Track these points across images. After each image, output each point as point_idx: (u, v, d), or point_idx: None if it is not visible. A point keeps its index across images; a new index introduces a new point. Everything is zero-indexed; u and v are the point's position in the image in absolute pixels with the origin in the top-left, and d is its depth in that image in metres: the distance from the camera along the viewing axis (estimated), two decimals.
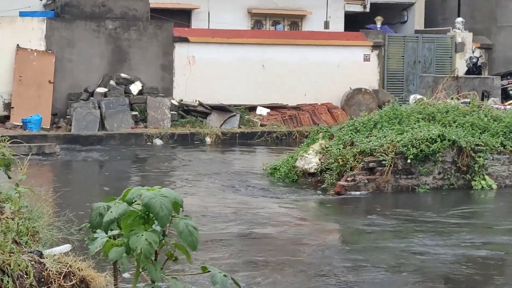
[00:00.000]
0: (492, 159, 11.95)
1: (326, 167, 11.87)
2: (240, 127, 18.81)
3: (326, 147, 12.30)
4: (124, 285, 4.83)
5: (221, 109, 19.04)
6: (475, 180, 11.72)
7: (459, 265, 7.39)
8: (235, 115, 18.97)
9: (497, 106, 14.35)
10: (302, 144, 13.28)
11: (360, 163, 11.51)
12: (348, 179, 11.36)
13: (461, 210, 10.31)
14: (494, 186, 11.78)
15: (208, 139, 17.92)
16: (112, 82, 18.67)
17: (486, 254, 7.84)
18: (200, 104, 19.05)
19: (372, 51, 21.28)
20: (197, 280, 6.23)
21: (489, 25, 23.14)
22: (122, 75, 18.89)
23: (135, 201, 3.51)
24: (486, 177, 11.82)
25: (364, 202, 10.82)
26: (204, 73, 19.61)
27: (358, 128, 12.58)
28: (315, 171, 12.10)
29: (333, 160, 11.76)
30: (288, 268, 7.34)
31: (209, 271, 3.61)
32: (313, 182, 12.01)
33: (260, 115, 19.67)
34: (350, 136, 12.30)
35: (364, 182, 11.35)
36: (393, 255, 7.78)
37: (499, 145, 12.03)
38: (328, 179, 11.59)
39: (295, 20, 23.36)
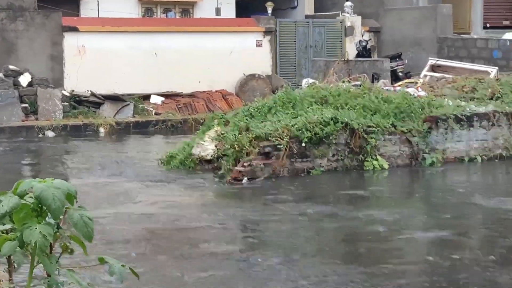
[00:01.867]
0: (384, 140, 12.21)
1: (223, 153, 11.89)
2: (134, 117, 18.61)
3: (222, 134, 12.31)
4: (19, 280, 4.71)
5: (114, 98, 18.79)
6: (367, 161, 11.96)
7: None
8: (128, 104, 18.76)
9: (387, 87, 14.65)
10: (197, 132, 13.25)
11: (256, 149, 11.56)
12: (245, 164, 11.40)
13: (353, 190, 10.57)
14: (386, 166, 12.05)
15: (101, 130, 17.65)
16: (0, 75, 18.15)
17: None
18: (93, 94, 18.74)
19: (264, 36, 21.39)
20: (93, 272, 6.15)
21: (377, 9, 23.60)
22: (10, 67, 18.39)
23: (27, 193, 3.42)
24: (379, 157, 12.08)
25: (260, 186, 10.88)
26: (95, 63, 19.30)
27: (253, 114, 12.63)
28: (212, 158, 12.10)
29: (229, 146, 11.78)
30: (192, 253, 7.33)
31: (107, 262, 3.55)
32: (210, 169, 12.01)
33: (155, 103, 19.51)
34: (245, 122, 12.34)
35: (260, 167, 11.41)
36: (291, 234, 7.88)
37: (390, 126, 12.30)
38: (225, 165, 11.61)
39: (186, 8, 23.23)
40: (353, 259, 7.17)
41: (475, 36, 21.90)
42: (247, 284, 6.44)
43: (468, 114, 12.84)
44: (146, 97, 19.64)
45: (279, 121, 11.98)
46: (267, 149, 11.56)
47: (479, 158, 12.74)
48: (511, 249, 7.51)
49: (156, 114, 18.95)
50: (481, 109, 13.08)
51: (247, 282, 6.50)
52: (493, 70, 16.87)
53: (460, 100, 13.56)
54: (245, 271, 6.77)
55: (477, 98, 13.73)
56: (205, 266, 6.90)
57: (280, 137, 11.57)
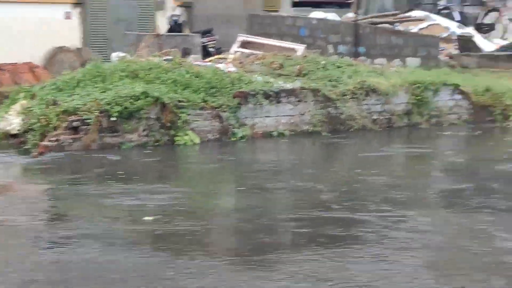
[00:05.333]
0: (195, 115, 12.27)
1: (29, 127, 11.52)
2: None
3: (28, 107, 11.92)
4: None
5: None
6: (179, 136, 11.98)
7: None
8: None
9: (198, 63, 14.72)
10: (2, 105, 12.74)
11: (64, 123, 11.29)
12: (52, 139, 11.13)
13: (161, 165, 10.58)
14: (197, 141, 12.13)
15: None
16: None
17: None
18: None
19: (74, 8, 20.85)
20: None
21: None
22: None
23: None
24: (190, 132, 12.13)
25: (67, 161, 10.65)
26: None
27: (61, 87, 12.32)
28: (18, 132, 11.70)
29: (36, 120, 11.44)
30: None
31: None
32: (15, 144, 11.62)
33: None
34: (52, 95, 12.01)
35: (68, 142, 11.16)
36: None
37: (201, 101, 12.38)
38: (31, 140, 11.28)
39: None
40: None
41: (284, 14, 22.42)
42: None
43: (276, 90, 13.15)
44: None
45: (88, 94, 11.75)
46: (75, 124, 11.32)
47: (286, 133, 13.10)
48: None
49: None
50: (289, 85, 13.43)
51: None
52: (300, 48, 17.33)
53: (269, 76, 13.85)
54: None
55: (285, 75, 14.08)
56: None
57: (89, 111, 11.35)
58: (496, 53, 19.13)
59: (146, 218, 7.46)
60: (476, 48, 19.25)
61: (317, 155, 12.11)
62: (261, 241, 6.77)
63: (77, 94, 11.88)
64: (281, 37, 20.40)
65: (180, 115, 11.97)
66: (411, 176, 10.12)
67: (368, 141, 13.02)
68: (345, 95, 13.66)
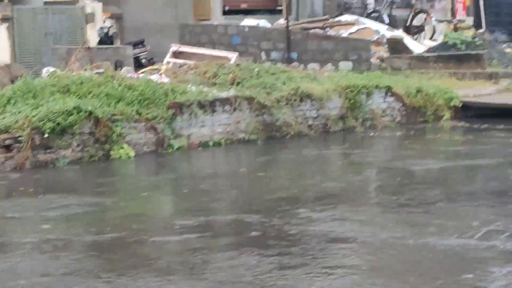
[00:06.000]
0: (129, 128, 12.15)
1: None
2: None
3: None
4: None
5: None
6: (114, 150, 11.84)
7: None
8: None
9: (130, 75, 14.57)
10: None
11: None
12: None
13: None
14: (132, 154, 12.00)
15: None
16: None
17: None
18: None
19: (1, 23, 20.50)
20: None
21: None
22: None
23: None
24: (125, 145, 12.00)
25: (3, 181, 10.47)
26: None
27: None
28: None
29: None
30: None
31: None
32: None
33: None
34: None
35: (1, 161, 10.94)
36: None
37: (135, 113, 12.26)
38: None
39: None
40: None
41: (215, 23, 22.39)
42: None
43: (211, 100, 13.10)
44: None
45: (20, 112, 11.54)
46: (7, 142, 11.10)
47: (222, 142, 13.07)
48: None
49: None
50: (223, 94, 13.40)
51: None
52: (233, 56, 17.32)
53: (203, 86, 13.80)
54: None
55: (219, 84, 14.04)
56: None
57: (21, 129, 11.14)
58: (426, 55, 19.41)
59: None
60: (407, 50, 19.50)
61: (246, 163, 12.20)
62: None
63: (8, 112, 11.65)
64: (213, 45, 20.35)
65: (114, 128, 11.83)
66: (326, 177, 10.55)
67: (302, 147, 13.11)
68: (280, 101, 13.69)
